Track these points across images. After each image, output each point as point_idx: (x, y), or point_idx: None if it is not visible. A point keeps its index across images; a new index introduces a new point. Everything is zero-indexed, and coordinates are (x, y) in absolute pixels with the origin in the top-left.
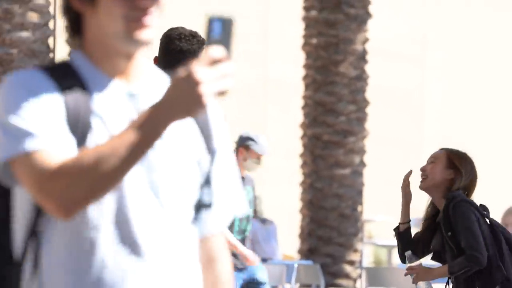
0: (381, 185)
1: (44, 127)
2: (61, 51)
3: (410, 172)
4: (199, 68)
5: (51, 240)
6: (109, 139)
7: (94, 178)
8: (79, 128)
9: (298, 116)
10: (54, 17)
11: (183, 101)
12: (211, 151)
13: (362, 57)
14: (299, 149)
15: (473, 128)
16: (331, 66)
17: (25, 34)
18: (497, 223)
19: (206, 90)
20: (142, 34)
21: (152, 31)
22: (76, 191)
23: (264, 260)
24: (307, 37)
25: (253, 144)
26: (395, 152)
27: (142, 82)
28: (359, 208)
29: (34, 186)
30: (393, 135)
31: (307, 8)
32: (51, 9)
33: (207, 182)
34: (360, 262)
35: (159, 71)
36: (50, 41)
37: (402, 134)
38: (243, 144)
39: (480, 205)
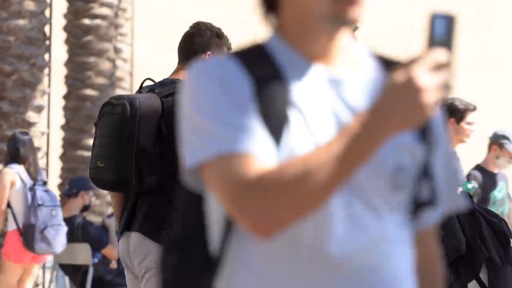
0: None
1: (240, 126)
2: (57, 38)
3: None
4: (421, 72)
5: (245, 257)
6: (316, 149)
7: (300, 194)
8: (275, 123)
9: None
10: (50, 5)
11: (402, 111)
12: (428, 140)
13: None
14: None
15: None
16: None
17: (22, 22)
18: (482, 208)
19: (430, 99)
20: (352, 12)
21: (362, 9)
22: (277, 208)
23: None
24: None
25: (508, 143)
26: None
27: (346, 66)
28: None
29: (228, 197)
30: None
31: None
32: None
33: (424, 175)
34: None
35: (366, 52)
36: (47, 28)
37: None
38: (498, 142)
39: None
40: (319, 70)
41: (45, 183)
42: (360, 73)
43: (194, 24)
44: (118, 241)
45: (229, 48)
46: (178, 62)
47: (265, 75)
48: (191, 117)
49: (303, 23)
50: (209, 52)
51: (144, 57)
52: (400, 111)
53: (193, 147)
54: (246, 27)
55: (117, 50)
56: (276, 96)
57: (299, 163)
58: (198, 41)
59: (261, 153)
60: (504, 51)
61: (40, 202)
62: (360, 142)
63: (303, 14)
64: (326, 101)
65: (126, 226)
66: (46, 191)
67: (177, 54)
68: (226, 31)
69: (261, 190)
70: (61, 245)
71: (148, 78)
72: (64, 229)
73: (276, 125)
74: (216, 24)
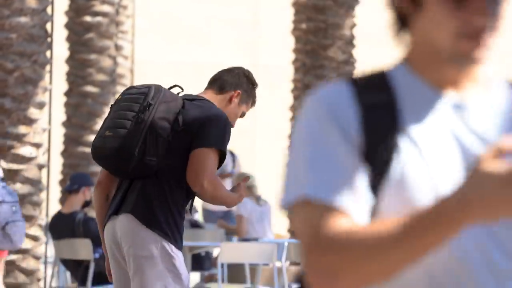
0: None
1: (334, 171)
2: (59, 36)
3: None
4: None
5: None
6: (393, 223)
7: (366, 269)
8: (381, 155)
9: (288, 99)
10: (52, 2)
11: (491, 203)
12: None
13: (349, 42)
14: (289, 130)
15: None
16: (320, 50)
17: (23, 19)
18: None
19: None
20: (476, 53)
21: (487, 50)
22: (342, 274)
23: (255, 239)
24: (296, 22)
25: None
26: None
27: (474, 91)
28: None
29: (303, 248)
30: None
31: None
32: None
33: None
34: None
35: (498, 78)
36: (48, 26)
37: None
38: None
39: None
40: (443, 96)
41: (3, 179)
42: (489, 98)
43: (239, 66)
44: (104, 229)
45: (253, 102)
46: (206, 88)
47: (376, 101)
48: (294, 149)
49: (428, 51)
50: (239, 91)
51: (145, 54)
52: (488, 205)
53: (288, 182)
54: (247, 26)
55: (118, 47)
56: (386, 123)
57: (372, 235)
58: (235, 78)
59: (348, 207)
60: None
61: (0, 199)
62: (435, 226)
63: (427, 43)
64: (447, 127)
65: (115, 210)
66: (4, 187)
67: (207, 83)
68: (226, 30)
69: (330, 251)
70: (21, 240)
71: (176, 85)
72: (24, 224)
73: (384, 154)
74: (217, 23)
